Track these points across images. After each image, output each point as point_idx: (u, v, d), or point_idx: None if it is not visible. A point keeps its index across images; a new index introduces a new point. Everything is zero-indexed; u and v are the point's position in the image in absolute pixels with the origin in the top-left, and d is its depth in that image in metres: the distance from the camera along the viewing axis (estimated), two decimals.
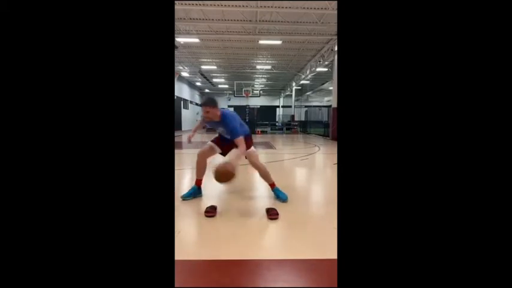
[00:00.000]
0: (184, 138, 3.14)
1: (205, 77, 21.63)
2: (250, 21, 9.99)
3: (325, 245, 1.76)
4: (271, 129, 19.22)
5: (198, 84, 25.29)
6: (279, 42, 12.13)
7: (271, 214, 2.24)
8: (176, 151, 6.35)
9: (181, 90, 21.17)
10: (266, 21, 10.04)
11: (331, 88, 15.84)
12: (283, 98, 28.65)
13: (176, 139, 8.86)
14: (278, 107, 29.56)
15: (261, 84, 24.82)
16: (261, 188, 2.78)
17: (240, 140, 2.48)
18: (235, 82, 20.21)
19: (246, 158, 2.76)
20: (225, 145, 2.77)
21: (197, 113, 25.15)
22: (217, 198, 2.82)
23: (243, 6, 8.79)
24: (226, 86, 25.56)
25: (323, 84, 21.78)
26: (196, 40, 11.97)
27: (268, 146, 9.27)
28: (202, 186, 2.90)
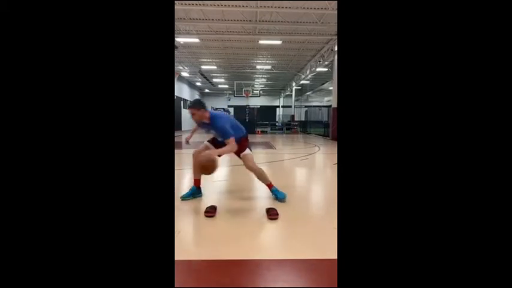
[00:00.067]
0: (184, 138, 3.13)
1: (205, 77, 21.63)
2: (250, 21, 9.99)
3: (325, 245, 1.76)
4: (271, 129, 19.21)
5: (198, 84, 25.29)
6: (279, 42, 12.13)
7: (271, 214, 2.24)
8: (176, 151, 6.35)
9: (181, 90, 21.17)
10: (266, 21, 10.04)
11: (331, 88, 15.84)
12: (283, 98, 28.65)
13: (176, 139, 8.86)
14: (278, 107, 29.56)
15: (261, 84, 24.82)
16: (261, 188, 2.78)
17: (230, 141, 2.48)
18: (235, 82, 20.21)
19: (240, 158, 2.75)
20: (220, 145, 2.76)
21: None
22: (217, 198, 2.82)
23: (243, 6, 8.79)
24: (226, 86, 25.56)
25: (323, 84, 21.78)
26: (196, 40, 11.97)
27: (268, 146, 9.27)
28: (202, 186, 2.91)
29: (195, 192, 2.80)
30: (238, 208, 2.55)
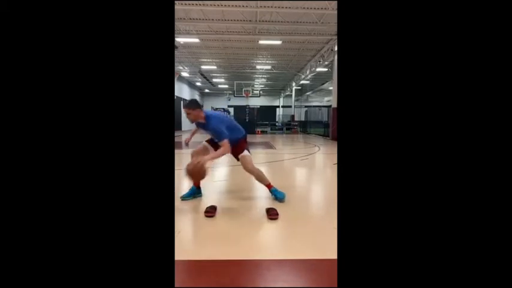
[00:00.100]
0: (184, 138, 3.14)
1: (205, 77, 21.63)
2: (250, 21, 9.99)
3: (325, 245, 1.76)
4: (271, 129, 19.21)
5: (198, 84, 25.28)
6: (279, 42, 12.13)
7: (271, 214, 2.24)
8: (176, 151, 6.35)
9: (181, 90, 21.17)
10: (266, 21, 10.04)
11: (331, 88, 15.84)
12: (283, 98, 28.64)
13: (176, 139, 8.86)
14: (278, 107, 29.55)
15: (261, 84, 24.82)
16: (261, 188, 2.78)
17: (225, 143, 2.47)
18: (235, 82, 20.21)
19: (237, 160, 2.75)
20: (217, 145, 2.75)
21: None
22: (217, 198, 2.82)
23: (243, 6, 8.79)
24: (226, 86, 25.56)
25: (323, 84, 21.78)
26: (196, 40, 11.97)
27: (268, 146, 9.27)
28: (202, 186, 2.91)
29: (195, 192, 2.80)
30: (238, 208, 2.55)
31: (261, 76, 22.01)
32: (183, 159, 5.63)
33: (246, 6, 8.80)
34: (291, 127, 19.68)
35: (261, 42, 12.15)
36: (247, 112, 21.36)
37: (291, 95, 23.84)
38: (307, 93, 25.34)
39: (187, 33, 11.18)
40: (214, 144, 2.71)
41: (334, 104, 10.81)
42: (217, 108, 24.54)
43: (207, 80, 22.60)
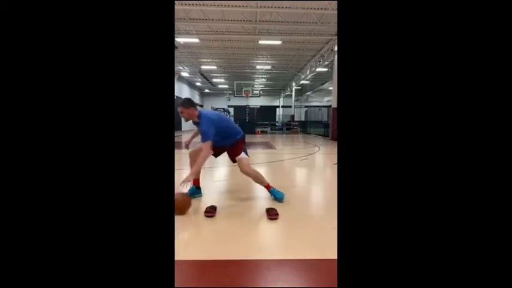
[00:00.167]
0: (184, 138, 3.13)
1: (205, 77, 21.63)
2: (250, 21, 9.99)
3: (325, 245, 1.76)
4: (271, 129, 19.22)
5: (198, 84, 25.28)
6: (279, 42, 12.13)
7: (271, 214, 2.24)
8: (176, 151, 6.35)
9: (181, 90, 21.17)
10: (266, 21, 10.03)
11: (331, 88, 15.84)
12: (283, 98, 28.64)
13: (176, 139, 8.86)
14: (278, 107, 29.55)
15: (261, 84, 24.82)
16: (261, 188, 2.78)
17: (205, 145, 2.41)
18: (235, 82, 20.21)
19: (233, 162, 2.74)
20: (216, 147, 2.73)
21: None
22: (217, 198, 2.82)
23: (243, 6, 8.79)
24: (226, 86, 25.56)
25: (323, 84, 21.78)
26: (196, 40, 11.97)
27: (268, 146, 9.27)
28: (202, 186, 2.91)
29: (195, 192, 2.80)
30: (238, 208, 2.55)
31: (261, 76, 22.01)
32: (183, 159, 5.63)
33: (246, 6, 8.79)
34: (290, 127, 19.69)
35: (261, 42, 12.15)
36: (247, 112, 21.37)
37: (291, 95, 23.84)
38: (307, 93, 25.34)
39: (187, 33, 11.17)
40: (214, 147, 2.70)
41: (334, 104, 10.81)
42: (217, 108, 24.55)
43: (207, 80, 22.59)
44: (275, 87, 26.64)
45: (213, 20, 9.86)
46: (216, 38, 12.06)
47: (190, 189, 2.79)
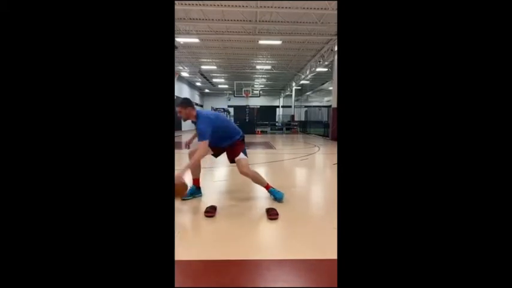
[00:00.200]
0: (184, 138, 3.13)
1: (205, 77, 21.63)
2: (250, 21, 9.99)
3: (325, 245, 1.76)
4: (271, 129, 19.23)
5: (198, 84, 25.28)
6: (279, 42, 12.13)
7: (271, 214, 2.24)
8: (176, 151, 6.35)
9: (181, 90, 21.16)
10: (266, 21, 10.03)
11: (331, 88, 15.84)
12: (283, 98, 28.64)
13: (176, 139, 8.86)
14: (278, 107, 29.55)
15: (261, 84, 24.82)
16: (261, 188, 2.78)
17: (202, 144, 2.43)
18: (235, 82, 20.21)
19: (231, 163, 2.74)
20: (215, 147, 2.73)
21: None
22: (217, 198, 2.82)
23: (243, 6, 8.79)
24: (226, 86, 25.56)
25: (323, 84, 21.79)
26: (196, 40, 11.97)
27: (268, 146, 9.27)
28: (202, 186, 2.91)
29: (195, 192, 2.80)
30: (238, 208, 2.55)
31: (261, 76, 22.01)
32: (183, 159, 5.63)
33: (246, 6, 8.79)
34: (290, 127, 19.70)
35: (261, 42, 12.15)
36: (247, 112, 21.37)
37: (291, 95, 23.84)
38: (307, 93, 25.34)
39: (187, 33, 11.17)
40: (213, 146, 2.70)
41: (334, 104, 10.81)
42: (217, 109, 24.56)
43: (207, 80, 22.60)
44: (275, 87, 26.64)
45: (213, 20, 9.85)
46: (216, 38, 12.06)
47: (190, 189, 2.79)
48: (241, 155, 2.65)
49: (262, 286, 1.33)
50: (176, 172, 2.03)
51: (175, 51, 12.58)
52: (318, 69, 15.37)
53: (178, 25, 10.12)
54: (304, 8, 8.92)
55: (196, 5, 8.69)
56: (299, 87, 23.10)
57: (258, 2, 8.57)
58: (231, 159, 2.71)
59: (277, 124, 21.68)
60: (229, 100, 27.68)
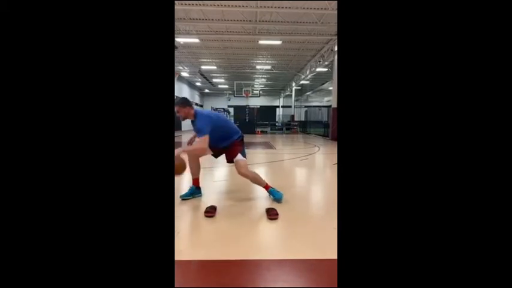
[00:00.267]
0: (184, 138, 3.14)
1: (205, 77, 21.63)
2: (250, 21, 9.99)
3: (325, 245, 1.76)
4: (271, 129, 19.23)
5: (198, 84, 25.28)
6: (279, 42, 12.13)
7: (271, 214, 2.24)
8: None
9: (181, 90, 21.16)
10: (266, 21, 10.03)
11: (331, 88, 15.84)
12: (283, 98, 28.64)
13: (176, 139, 8.86)
14: (278, 107, 29.55)
15: (261, 84, 24.82)
16: (260, 188, 2.78)
17: (202, 138, 2.46)
18: (235, 82, 20.21)
19: (228, 162, 2.73)
20: (215, 148, 2.73)
21: None
22: (217, 198, 2.82)
23: (243, 6, 8.79)
24: (226, 86, 25.56)
25: (323, 84, 21.78)
26: (196, 40, 11.97)
27: (268, 146, 9.27)
28: (202, 186, 2.91)
29: (194, 191, 2.80)
30: (238, 208, 2.55)
31: (261, 76, 22.01)
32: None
33: (246, 6, 8.80)
34: (290, 127, 19.70)
35: (261, 42, 12.15)
36: (247, 112, 21.37)
37: (291, 95, 23.84)
38: (307, 93, 25.33)
39: (187, 33, 11.17)
40: (213, 146, 2.70)
41: (334, 104, 10.81)
42: (217, 108, 24.56)
43: (207, 80, 22.59)
44: (275, 87, 26.64)
45: (213, 20, 9.86)
46: (216, 38, 12.06)
47: (190, 189, 2.79)
48: (240, 156, 2.64)
49: (262, 286, 1.33)
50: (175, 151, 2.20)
51: (175, 51, 12.58)
52: (318, 69, 15.37)
53: (178, 25, 10.12)
54: (304, 8, 8.92)
55: (196, 5, 8.69)
56: (299, 87, 23.10)
57: (258, 2, 8.57)
58: (229, 159, 2.71)
59: (277, 124, 21.68)
60: (229, 100, 27.68)
